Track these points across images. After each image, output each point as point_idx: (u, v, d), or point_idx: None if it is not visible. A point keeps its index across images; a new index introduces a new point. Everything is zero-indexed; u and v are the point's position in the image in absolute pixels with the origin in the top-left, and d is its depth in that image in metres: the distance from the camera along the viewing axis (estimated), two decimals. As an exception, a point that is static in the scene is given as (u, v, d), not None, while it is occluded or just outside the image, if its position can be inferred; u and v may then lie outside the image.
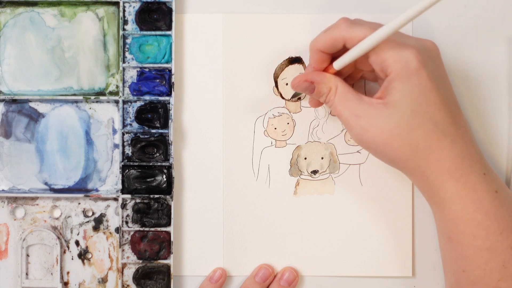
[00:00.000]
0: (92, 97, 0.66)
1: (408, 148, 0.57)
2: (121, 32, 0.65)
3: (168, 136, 0.66)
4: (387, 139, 0.57)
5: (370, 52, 0.58)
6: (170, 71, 0.65)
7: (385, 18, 0.62)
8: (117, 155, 0.67)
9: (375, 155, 0.60)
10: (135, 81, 0.66)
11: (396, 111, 0.57)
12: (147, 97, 0.66)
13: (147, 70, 0.66)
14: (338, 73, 0.61)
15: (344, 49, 0.59)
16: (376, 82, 0.64)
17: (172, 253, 0.66)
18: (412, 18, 0.55)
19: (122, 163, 0.66)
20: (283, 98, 0.67)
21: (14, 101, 0.66)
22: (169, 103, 0.65)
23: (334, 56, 0.61)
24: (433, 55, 0.59)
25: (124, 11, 0.65)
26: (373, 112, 0.58)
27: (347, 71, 0.62)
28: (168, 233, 0.66)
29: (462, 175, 0.58)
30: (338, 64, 0.60)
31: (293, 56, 0.67)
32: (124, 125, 0.66)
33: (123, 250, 0.66)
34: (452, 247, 0.59)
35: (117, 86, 0.66)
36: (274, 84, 0.67)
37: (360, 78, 0.65)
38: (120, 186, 0.66)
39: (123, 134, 0.66)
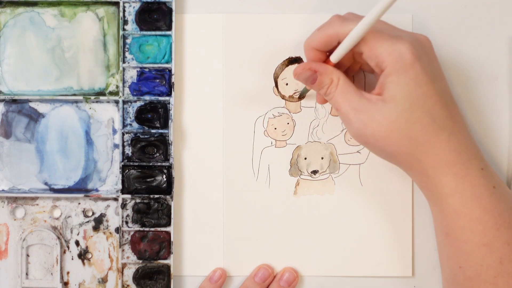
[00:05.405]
0: (92, 97, 0.66)
1: (407, 142, 0.57)
2: (121, 32, 0.65)
3: (168, 136, 0.66)
4: (387, 133, 0.57)
5: (364, 48, 0.58)
6: (170, 71, 0.65)
7: (383, 17, 0.61)
8: (117, 155, 0.67)
9: (374, 150, 0.60)
10: (135, 81, 0.66)
11: (395, 105, 0.57)
12: (147, 97, 0.66)
13: (147, 70, 0.66)
14: (337, 66, 0.61)
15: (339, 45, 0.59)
16: (374, 74, 0.64)
17: (172, 253, 0.66)
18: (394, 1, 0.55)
19: (122, 163, 0.66)
20: (283, 98, 0.67)
21: (14, 101, 0.66)
22: (169, 103, 0.65)
23: (329, 53, 0.60)
24: (427, 49, 0.59)
25: (124, 11, 0.65)
26: (372, 107, 0.57)
27: (346, 63, 0.62)
28: (168, 233, 0.66)
29: (461, 169, 0.57)
30: (334, 57, 0.60)
31: (293, 56, 0.67)
32: (124, 125, 0.66)
33: (123, 250, 0.66)
34: (449, 242, 0.59)
35: (117, 86, 0.66)
36: (274, 84, 0.67)
37: (359, 69, 0.65)
38: (120, 186, 0.66)
39: (123, 134, 0.66)
